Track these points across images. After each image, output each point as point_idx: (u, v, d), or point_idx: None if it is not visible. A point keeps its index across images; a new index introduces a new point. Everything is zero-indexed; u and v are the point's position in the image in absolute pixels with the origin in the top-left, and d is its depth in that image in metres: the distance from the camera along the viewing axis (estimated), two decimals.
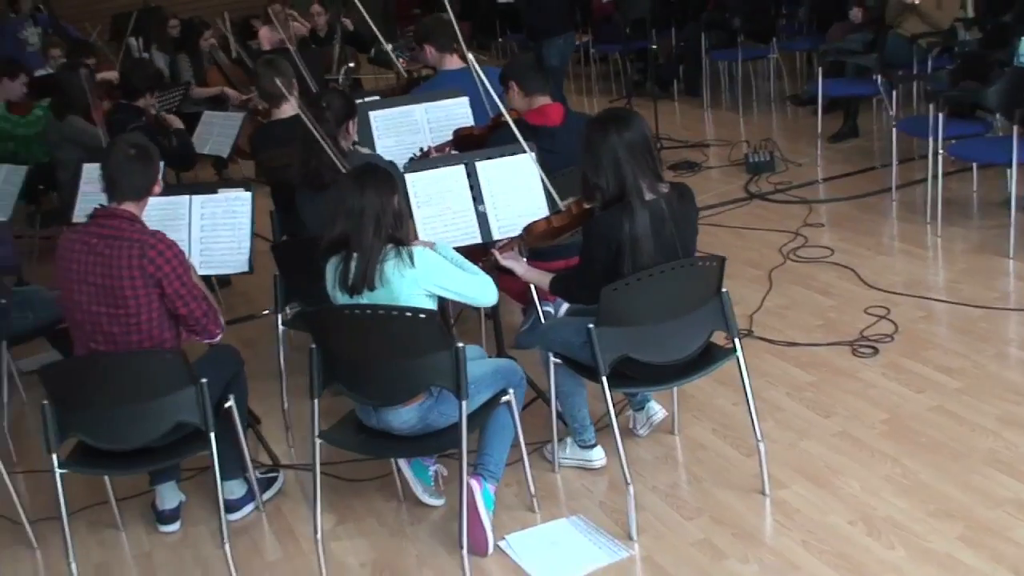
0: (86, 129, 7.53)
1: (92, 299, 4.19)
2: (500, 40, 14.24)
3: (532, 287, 5.27)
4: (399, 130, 5.91)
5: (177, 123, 7.66)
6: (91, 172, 6.25)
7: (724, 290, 4.21)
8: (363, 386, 4.05)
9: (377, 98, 6.54)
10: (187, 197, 5.12)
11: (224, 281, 7.17)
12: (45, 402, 4.06)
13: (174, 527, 4.63)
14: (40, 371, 4.12)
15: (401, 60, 8.60)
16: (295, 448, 5.21)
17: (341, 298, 4.05)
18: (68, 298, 4.28)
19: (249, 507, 4.66)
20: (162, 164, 4.56)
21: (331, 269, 4.10)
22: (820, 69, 8.85)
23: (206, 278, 4.82)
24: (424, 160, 5.26)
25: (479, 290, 4.17)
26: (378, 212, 3.98)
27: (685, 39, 11.59)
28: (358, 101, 5.68)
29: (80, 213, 6.23)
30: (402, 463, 4.52)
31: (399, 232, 4.04)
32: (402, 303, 3.92)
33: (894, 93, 7.78)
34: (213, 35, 10.61)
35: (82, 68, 8.13)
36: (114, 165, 4.27)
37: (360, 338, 4.00)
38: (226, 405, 4.35)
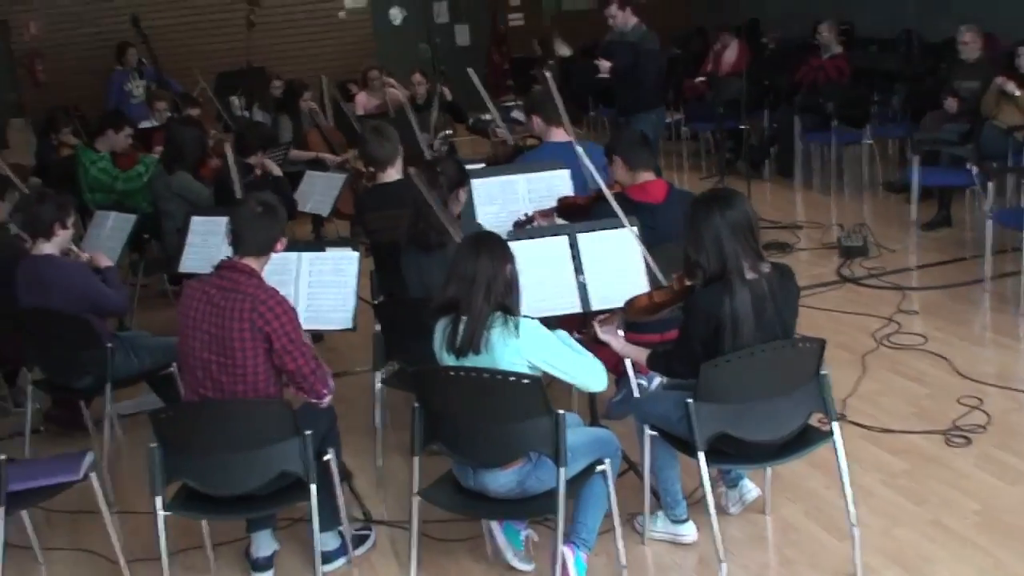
0: (192, 186, 7.76)
1: (204, 346, 4.34)
2: (592, 114, 14.41)
3: (628, 363, 5.32)
4: (500, 199, 6.03)
5: (277, 170, 7.85)
6: (198, 225, 6.49)
7: (824, 372, 4.24)
8: (464, 447, 4.14)
9: (482, 166, 6.69)
10: (297, 254, 5.28)
11: (317, 337, 7.30)
12: (153, 445, 4.19)
13: (267, 575, 4.72)
14: (151, 415, 4.25)
15: (498, 130, 8.76)
16: (387, 504, 5.28)
17: (447, 359, 4.15)
18: (183, 343, 4.44)
19: (342, 560, 4.74)
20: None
21: (440, 330, 4.20)
22: (916, 158, 8.85)
23: None
24: (527, 229, 5.36)
25: (589, 374, 4.21)
26: (490, 278, 4.09)
27: (778, 120, 11.66)
28: (466, 168, 5.81)
29: (186, 265, 6.45)
30: (494, 526, 4.57)
31: (508, 300, 4.14)
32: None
33: (989, 184, 7.76)
34: (312, 96, 10.86)
35: (195, 125, 8.37)
36: (241, 220, 4.43)
37: (464, 399, 4.09)
38: (325, 458, 4.45)
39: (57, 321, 5.60)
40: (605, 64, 9.05)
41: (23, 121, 14.73)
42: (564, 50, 9.29)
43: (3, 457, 4.15)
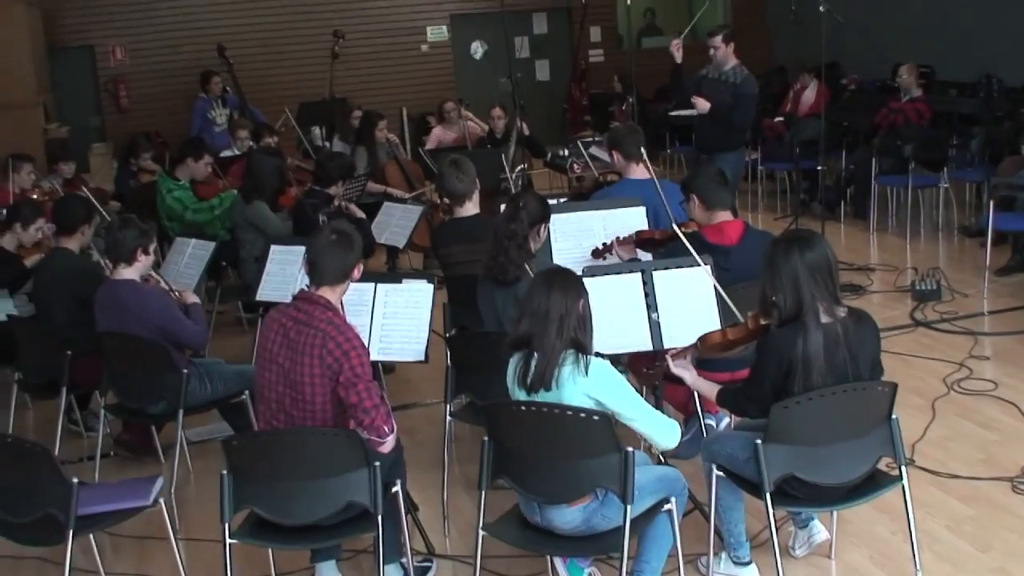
0: (269, 217, 7.87)
1: (278, 378, 4.40)
2: (668, 151, 14.41)
3: (696, 398, 5.31)
4: (576, 235, 6.05)
5: (360, 214, 7.94)
6: (277, 254, 6.58)
7: (894, 416, 4.20)
8: (531, 482, 4.13)
9: (562, 201, 6.72)
10: (373, 285, 5.34)
11: (389, 368, 7.35)
12: (224, 472, 4.24)
13: None
14: (224, 442, 4.30)
15: (577, 167, 8.80)
16: (450, 538, 5.29)
17: (519, 394, 4.16)
18: (260, 374, 4.50)
19: None
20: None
21: (512, 366, 4.22)
22: (991, 203, 8.75)
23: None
24: (602, 266, 5.37)
25: (658, 427, 4.18)
26: (562, 314, 4.09)
27: (855, 162, 11.57)
28: None
29: (264, 294, 6.54)
30: (558, 562, 4.56)
31: (581, 336, 4.14)
32: None
33: None
34: (391, 128, 10.95)
35: (276, 155, 8.49)
36: (317, 250, 4.48)
37: (533, 435, 4.09)
38: (393, 490, 4.46)
39: (135, 346, 5.70)
40: (704, 104, 8.99)
41: (105, 145, 15.04)
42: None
43: (75, 480, 4.19)
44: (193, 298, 6.17)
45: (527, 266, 5.10)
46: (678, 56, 9.30)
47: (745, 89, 8.99)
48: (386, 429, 4.34)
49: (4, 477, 4.41)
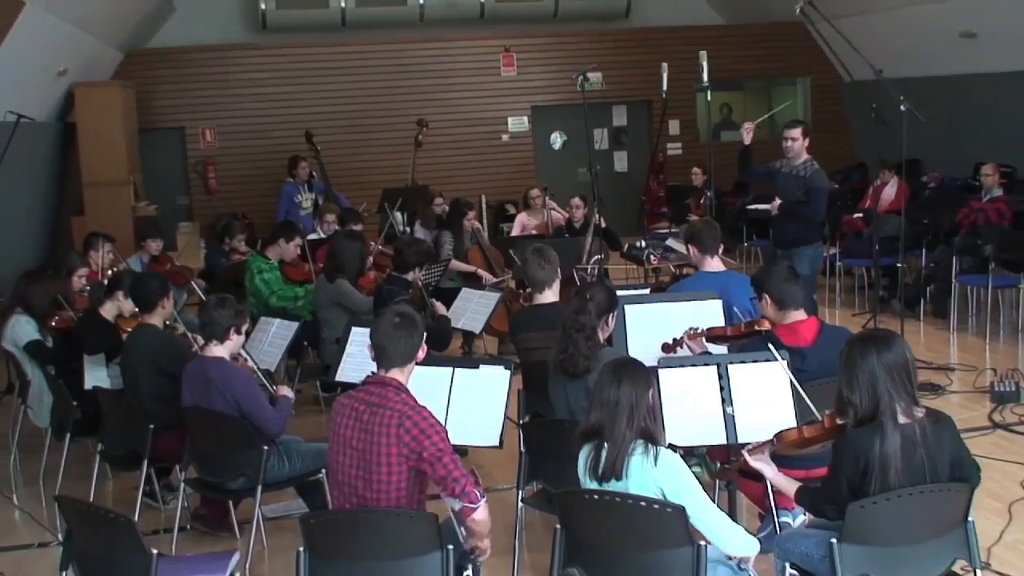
0: (353, 293, 8.02)
1: (352, 462, 4.46)
2: (745, 245, 14.43)
3: (771, 494, 5.28)
4: (651, 327, 6.08)
5: (443, 310, 8.05)
6: (358, 335, 6.67)
7: (970, 519, 4.16)
8: (603, 573, 4.14)
9: (639, 292, 6.77)
10: (450, 369, 5.40)
11: (461, 452, 7.37)
12: (301, 549, 4.30)
13: None
14: (301, 519, 4.39)
15: (654, 258, 8.86)
16: None
17: (590, 484, 4.19)
18: (332, 457, 4.56)
19: None
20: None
21: (583, 456, 4.25)
22: None
23: None
24: (678, 357, 5.40)
25: (722, 530, 4.15)
26: (632, 404, 4.14)
27: (935, 260, 11.50)
28: (619, 294, 5.90)
29: (343, 374, 6.63)
30: None
31: (651, 426, 4.17)
32: None
33: None
34: (475, 216, 11.11)
35: (359, 239, 8.66)
36: (382, 333, 4.55)
37: (606, 524, 4.11)
38: (465, 574, 4.49)
39: (218, 421, 5.82)
40: (775, 203, 9.07)
41: (191, 225, 15.38)
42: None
43: (155, 552, 4.27)
44: (287, 392, 6.25)
45: (597, 357, 5.13)
46: (748, 138, 9.40)
47: (815, 183, 9.03)
48: (478, 494, 4.37)
49: (85, 545, 4.52)
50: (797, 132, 9.13)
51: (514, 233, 11.81)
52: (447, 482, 4.35)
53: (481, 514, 4.39)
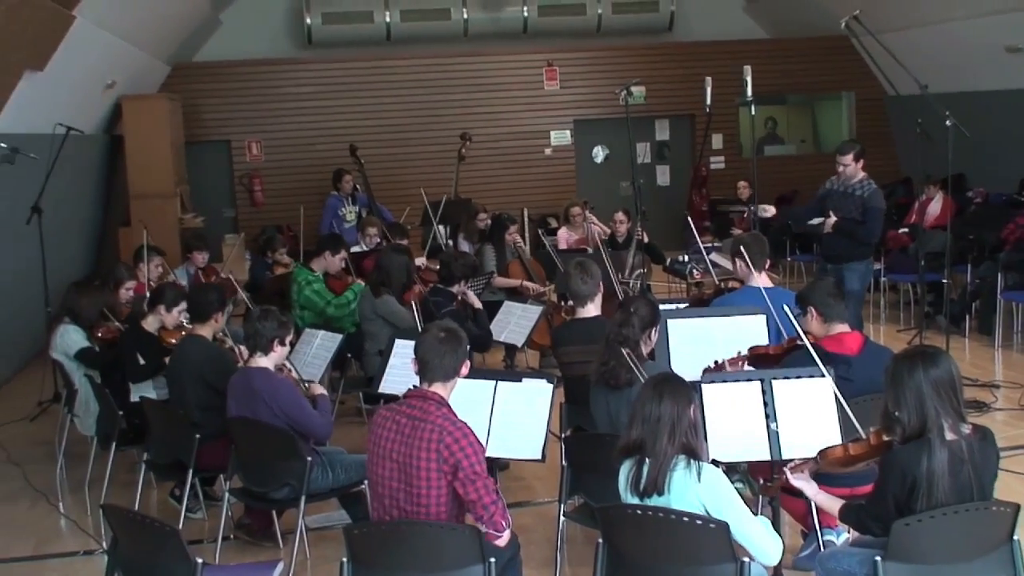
0: (398, 310, 8.06)
1: (392, 475, 4.49)
2: (789, 259, 14.36)
3: (814, 511, 5.25)
4: (695, 341, 6.06)
5: (477, 304, 8.08)
6: (401, 348, 6.71)
7: (1015, 538, 4.13)
8: None
9: (681, 306, 6.76)
10: (493, 382, 5.42)
11: (502, 465, 7.39)
12: (344, 560, 4.33)
13: None
14: (345, 529, 4.42)
15: (697, 273, 8.84)
16: None
17: (631, 500, 4.19)
18: (372, 470, 4.59)
19: None
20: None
21: (624, 471, 4.25)
22: None
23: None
24: (720, 373, 5.38)
25: (763, 539, 4.15)
26: (674, 420, 4.14)
27: (980, 276, 11.40)
28: (662, 308, 5.89)
29: (386, 386, 6.66)
30: None
31: (693, 441, 4.17)
32: None
33: None
34: (517, 230, 11.11)
35: (406, 254, 8.71)
36: (426, 348, 4.58)
37: (648, 539, 4.11)
38: None
39: (263, 432, 5.87)
40: (830, 221, 9.04)
41: (236, 237, 15.50)
42: (766, 211, 9.26)
43: (200, 561, 4.30)
44: (320, 390, 6.32)
45: (640, 370, 5.13)
46: (770, 212, 9.44)
47: (873, 203, 8.96)
48: (503, 524, 4.41)
49: (131, 554, 4.56)
50: (848, 158, 9.04)
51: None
52: (476, 506, 4.40)
53: (503, 542, 4.44)
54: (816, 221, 9.21)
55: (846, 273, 8.82)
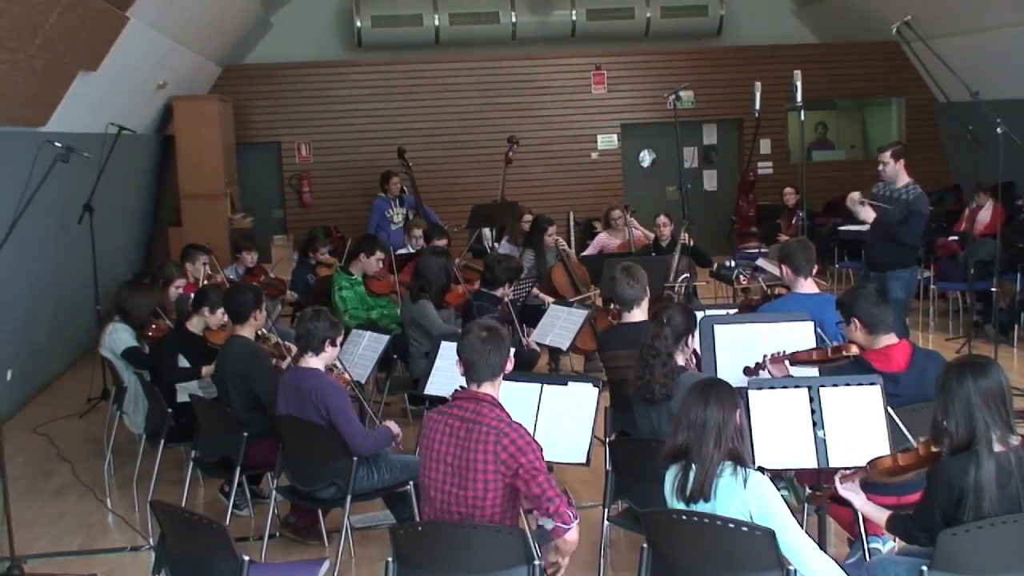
0: (432, 316, 8.12)
1: (447, 478, 4.48)
2: (837, 266, 14.27)
3: (860, 519, 5.22)
4: (740, 347, 6.02)
5: (534, 345, 8.17)
6: (447, 350, 6.73)
7: None
8: None
9: (727, 312, 6.74)
10: (539, 385, 5.42)
11: (547, 468, 7.39)
12: (389, 559, 4.36)
13: None
14: (391, 529, 4.46)
15: (743, 278, 8.79)
16: None
17: (676, 505, 4.18)
18: (425, 473, 4.59)
19: None
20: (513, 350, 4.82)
21: (670, 476, 4.25)
22: None
23: None
24: (767, 379, 5.36)
25: (816, 560, 4.11)
26: (720, 425, 4.13)
27: None
28: (708, 313, 5.87)
29: (432, 388, 6.69)
30: None
31: (739, 447, 4.16)
32: None
33: None
34: (557, 231, 11.07)
35: (443, 255, 8.74)
36: (470, 348, 4.56)
37: (694, 545, 4.11)
38: None
39: (310, 431, 5.92)
40: (869, 213, 8.97)
41: (285, 238, 15.62)
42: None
43: (247, 558, 4.34)
44: (392, 427, 6.23)
45: (676, 382, 5.10)
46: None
47: (917, 207, 8.89)
48: (571, 515, 4.39)
49: (179, 550, 4.61)
50: (887, 155, 9.00)
51: (589, 252, 11.80)
52: (541, 501, 4.37)
53: (573, 535, 4.42)
54: (855, 228, 9.12)
55: (890, 282, 8.74)
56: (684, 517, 4.10)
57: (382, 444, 6.09)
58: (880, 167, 9.06)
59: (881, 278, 8.93)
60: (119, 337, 7.73)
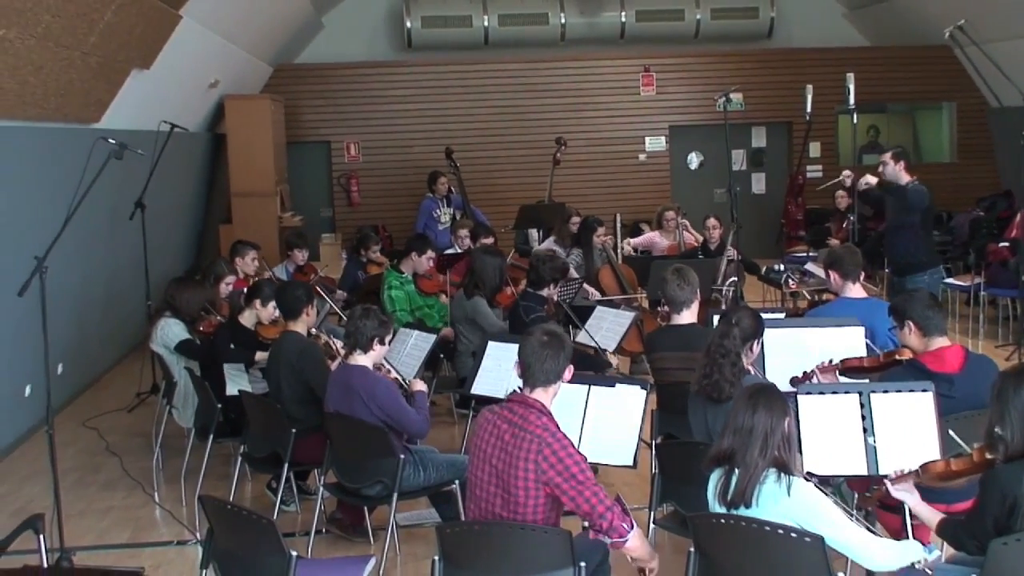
0: (487, 313, 8.12)
1: (490, 479, 4.49)
2: (886, 271, 14.09)
3: (909, 527, 5.17)
4: (790, 351, 6.00)
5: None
6: (494, 350, 6.75)
7: None
8: None
9: (775, 316, 6.70)
10: (586, 387, 5.41)
11: (592, 470, 7.38)
12: (436, 558, 4.38)
13: None
14: (438, 528, 4.48)
15: (792, 283, 8.73)
16: None
17: (717, 509, 4.16)
18: (472, 472, 4.60)
19: None
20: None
21: (713, 480, 4.23)
22: None
23: None
24: (817, 384, 5.32)
25: (877, 547, 4.10)
26: (767, 432, 4.10)
27: None
28: None
29: (479, 388, 6.70)
30: None
31: (785, 455, 4.13)
32: None
33: None
34: (606, 233, 11.06)
35: (498, 255, 8.75)
36: (529, 351, 4.54)
37: (740, 550, 4.09)
38: None
39: (357, 428, 5.94)
40: (871, 179, 8.95)
41: (333, 236, 15.72)
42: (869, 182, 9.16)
43: (294, 553, 4.36)
44: (420, 386, 6.38)
45: (741, 383, 5.08)
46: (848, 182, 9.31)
47: (913, 195, 8.74)
48: (626, 527, 4.36)
49: (226, 544, 4.65)
50: (887, 156, 8.95)
51: (635, 241, 11.83)
52: (593, 517, 4.35)
53: (633, 542, 4.39)
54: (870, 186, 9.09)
55: (910, 287, 8.56)
56: (731, 522, 4.08)
57: (425, 406, 6.19)
58: (880, 167, 9.00)
59: (901, 283, 8.82)
60: (172, 331, 7.80)
